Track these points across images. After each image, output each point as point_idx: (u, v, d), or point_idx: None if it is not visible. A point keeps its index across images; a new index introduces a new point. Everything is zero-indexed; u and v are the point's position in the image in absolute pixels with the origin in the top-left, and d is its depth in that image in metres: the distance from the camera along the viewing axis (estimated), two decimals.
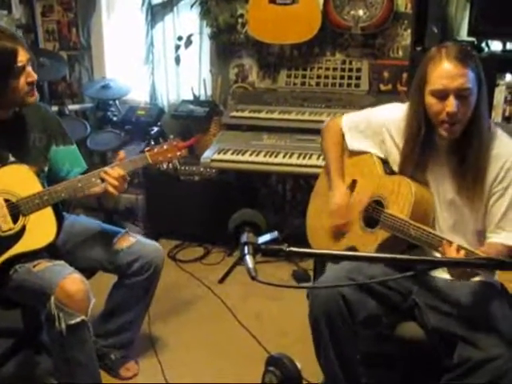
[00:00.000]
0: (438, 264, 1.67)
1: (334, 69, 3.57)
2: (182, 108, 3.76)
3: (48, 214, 2.04)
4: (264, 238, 1.30)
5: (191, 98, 3.87)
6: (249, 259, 1.25)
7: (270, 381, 2.13)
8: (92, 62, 4.18)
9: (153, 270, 2.28)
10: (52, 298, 1.94)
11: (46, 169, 2.19)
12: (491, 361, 1.65)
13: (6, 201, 2.01)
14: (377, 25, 3.32)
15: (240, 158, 3.28)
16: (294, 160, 3.20)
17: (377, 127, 2.06)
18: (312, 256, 2.41)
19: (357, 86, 3.50)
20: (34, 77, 2.01)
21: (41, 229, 2.03)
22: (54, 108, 3.80)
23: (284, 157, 3.23)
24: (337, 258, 1.86)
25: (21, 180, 2.04)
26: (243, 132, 3.51)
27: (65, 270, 2.00)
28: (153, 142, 2.25)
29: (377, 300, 1.88)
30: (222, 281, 3.29)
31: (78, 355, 2.02)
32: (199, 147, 3.57)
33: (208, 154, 3.32)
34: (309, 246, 2.26)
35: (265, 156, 3.26)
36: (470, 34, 2.92)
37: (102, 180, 2.08)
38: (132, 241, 2.29)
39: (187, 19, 3.82)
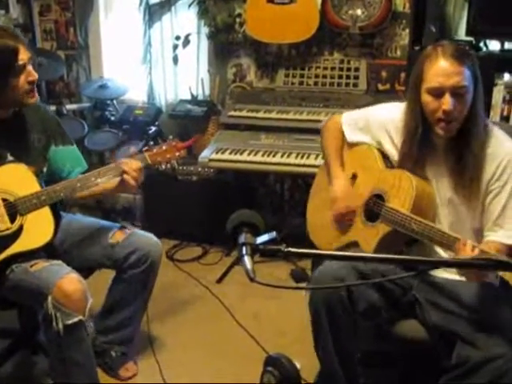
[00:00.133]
0: (439, 264, 1.66)
1: (332, 68, 3.56)
2: (180, 108, 3.76)
3: (46, 213, 2.04)
4: (262, 239, 1.30)
5: (189, 97, 3.87)
6: (247, 260, 1.25)
7: (268, 381, 2.13)
8: (90, 61, 4.17)
9: (150, 262, 2.27)
10: (49, 298, 1.93)
11: (45, 169, 2.18)
12: (491, 361, 1.64)
13: (4, 200, 2.00)
14: (375, 24, 3.32)
15: (238, 157, 3.27)
16: (292, 160, 3.19)
17: (375, 127, 2.06)
18: (310, 256, 2.40)
19: (355, 85, 3.50)
20: (35, 76, 2.01)
21: (38, 228, 2.02)
22: (52, 108, 3.79)
23: (282, 156, 3.23)
24: (336, 259, 1.86)
25: (19, 179, 2.03)
26: (241, 131, 3.50)
27: (62, 270, 2.00)
28: (152, 142, 2.24)
29: (378, 291, 1.88)
30: (219, 281, 3.29)
31: (75, 355, 2.01)
32: (197, 147, 3.57)
33: (206, 154, 3.32)
34: (308, 245, 2.26)
35: (263, 156, 3.25)
36: (468, 33, 2.92)
37: (121, 173, 2.09)
38: (127, 233, 2.29)
39: (185, 19, 3.82)
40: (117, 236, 2.27)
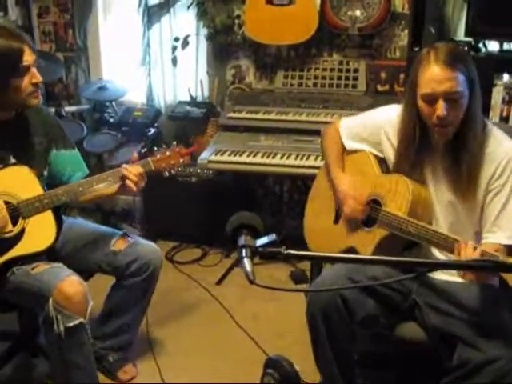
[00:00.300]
0: (439, 266, 1.66)
1: (331, 69, 3.56)
2: (179, 109, 3.76)
3: (48, 217, 2.03)
4: (262, 241, 1.30)
5: (188, 99, 3.86)
6: (247, 262, 1.25)
7: (268, 383, 2.13)
8: (88, 63, 4.16)
9: (151, 270, 2.27)
10: (50, 301, 1.93)
11: (46, 173, 2.18)
12: (492, 362, 1.65)
13: (7, 203, 1.99)
14: (374, 25, 3.32)
15: (237, 159, 3.27)
16: (291, 161, 3.19)
17: (373, 129, 2.06)
18: (310, 258, 2.40)
19: (354, 86, 3.50)
20: (39, 78, 2.02)
21: (40, 232, 2.02)
22: (51, 110, 3.78)
23: (281, 158, 3.23)
24: (335, 261, 1.86)
25: (22, 182, 2.03)
26: (240, 133, 3.50)
27: (63, 273, 2.00)
28: (154, 147, 2.22)
29: (376, 300, 1.88)
30: (219, 282, 3.29)
31: (76, 358, 2.01)
32: (196, 148, 3.56)
33: (205, 156, 3.32)
34: (306, 248, 2.26)
35: (262, 157, 3.25)
36: (467, 34, 2.93)
37: (121, 178, 2.07)
38: (130, 242, 2.28)
39: (184, 20, 3.81)
40: (119, 244, 2.27)
